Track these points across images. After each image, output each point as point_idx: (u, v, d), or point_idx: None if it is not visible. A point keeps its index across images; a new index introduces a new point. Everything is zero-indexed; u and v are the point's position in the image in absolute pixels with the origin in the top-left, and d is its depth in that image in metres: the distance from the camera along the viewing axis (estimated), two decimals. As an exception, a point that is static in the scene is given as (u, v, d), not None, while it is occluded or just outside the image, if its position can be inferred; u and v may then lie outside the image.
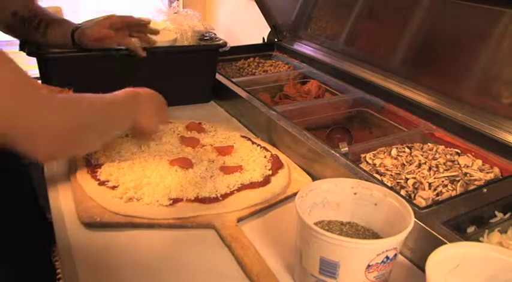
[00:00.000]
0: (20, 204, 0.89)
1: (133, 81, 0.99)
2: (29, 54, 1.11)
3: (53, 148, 0.72)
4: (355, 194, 0.73)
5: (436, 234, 0.71)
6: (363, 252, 0.60)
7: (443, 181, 0.92)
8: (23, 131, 0.65)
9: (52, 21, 1.13)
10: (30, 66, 1.90)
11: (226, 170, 0.95)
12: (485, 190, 0.83)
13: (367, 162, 1.01)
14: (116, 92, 0.90)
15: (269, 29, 1.83)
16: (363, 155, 1.04)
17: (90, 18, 1.17)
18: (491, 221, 0.79)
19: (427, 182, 0.92)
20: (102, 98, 0.84)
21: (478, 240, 0.74)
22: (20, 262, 0.92)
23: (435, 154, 1.01)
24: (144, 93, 0.96)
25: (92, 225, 0.81)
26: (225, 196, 0.87)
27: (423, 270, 0.74)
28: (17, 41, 1.16)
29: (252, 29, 1.96)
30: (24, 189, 1.07)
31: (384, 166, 0.98)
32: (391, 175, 0.95)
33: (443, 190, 0.90)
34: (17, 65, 0.65)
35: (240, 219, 0.84)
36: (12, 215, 0.90)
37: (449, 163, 0.98)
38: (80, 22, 1.15)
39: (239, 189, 0.89)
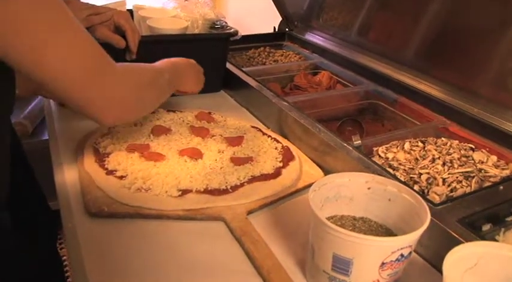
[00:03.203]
0: (22, 195, 0.88)
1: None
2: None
3: (119, 113, 0.78)
4: (368, 188, 0.71)
5: (451, 232, 0.69)
6: (377, 250, 0.59)
7: (457, 177, 0.90)
8: (91, 100, 0.72)
9: None
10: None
11: (236, 161, 0.94)
12: (501, 187, 0.82)
13: (379, 155, 0.99)
14: (160, 62, 0.98)
15: (280, 19, 1.81)
16: (375, 149, 1.02)
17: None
18: (507, 219, 0.78)
19: (441, 177, 0.90)
20: (153, 66, 0.93)
21: (493, 239, 0.73)
22: (26, 253, 0.91)
23: (449, 149, 0.99)
24: (182, 62, 1.05)
25: (99, 215, 0.80)
26: (235, 188, 0.86)
27: (436, 267, 0.74)
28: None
29: (263, 18, 1.93)
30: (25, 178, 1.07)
31: (397, 160, 0.96)
32: (405, 170, 0.93)
33: (458, 186, 0.88)
34: (87, 32, 0.69)
35: (249, 212, 0.83)
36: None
37: (463, 158, 0.96)
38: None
39: (249, 181, 0.88)
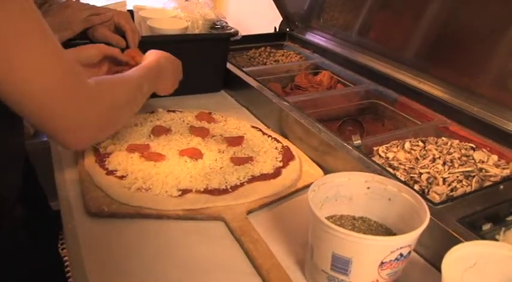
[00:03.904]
0: (23, 193, 0.88)
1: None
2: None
3: (89, 135, 0.75)
4: (368, 188, 0.71)
5: (451, 231, 0.69)
6: (377, 249, 0.58)
7: (458, 176, 0.90)
8: (60, 121, 0.67)
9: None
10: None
11: (236, 161, 0.94)
12: (502, 187, 0.81)
13: (379, 155, 0.99)
14: (145, 65, 0.93)
15: (281, 19, 1.81)
16: (375, 148, 1.02)
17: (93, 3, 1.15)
18: (508, 218, 0.78)
19: (442, 177, 0.90)
20: (133, 78, 0.86)
21: (494, 238, 0.72)
22: (27, 253, 0.91)
23: (450, 148, 0.99)
24: (165, 62, 0.99)
25: (99, 215, 0.80)
26: (234, 188, 0.86)
27: (436, 267, 0.74)
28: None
29: (264, 18, 1.93)
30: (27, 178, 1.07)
31: (397, 160, 0.96)
32: (405, 169, 0.93)
33: (458, 186, 0.88)
34: (60, 46, 0.64)
35: (249, 212, 0.83)
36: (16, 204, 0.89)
37: (464, 158, 0.95)
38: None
39: (249, 181, 0.88)
